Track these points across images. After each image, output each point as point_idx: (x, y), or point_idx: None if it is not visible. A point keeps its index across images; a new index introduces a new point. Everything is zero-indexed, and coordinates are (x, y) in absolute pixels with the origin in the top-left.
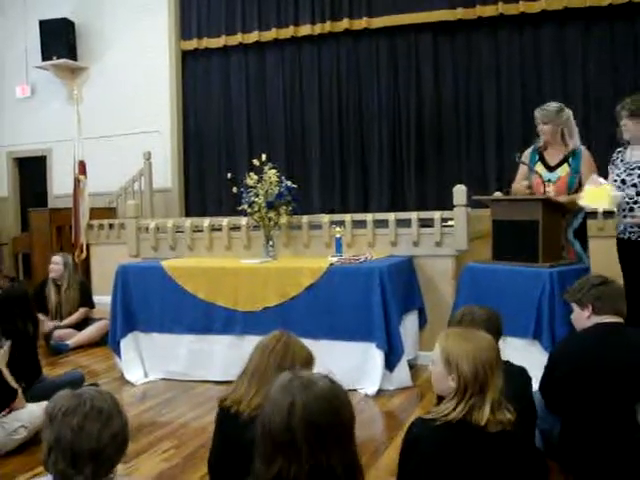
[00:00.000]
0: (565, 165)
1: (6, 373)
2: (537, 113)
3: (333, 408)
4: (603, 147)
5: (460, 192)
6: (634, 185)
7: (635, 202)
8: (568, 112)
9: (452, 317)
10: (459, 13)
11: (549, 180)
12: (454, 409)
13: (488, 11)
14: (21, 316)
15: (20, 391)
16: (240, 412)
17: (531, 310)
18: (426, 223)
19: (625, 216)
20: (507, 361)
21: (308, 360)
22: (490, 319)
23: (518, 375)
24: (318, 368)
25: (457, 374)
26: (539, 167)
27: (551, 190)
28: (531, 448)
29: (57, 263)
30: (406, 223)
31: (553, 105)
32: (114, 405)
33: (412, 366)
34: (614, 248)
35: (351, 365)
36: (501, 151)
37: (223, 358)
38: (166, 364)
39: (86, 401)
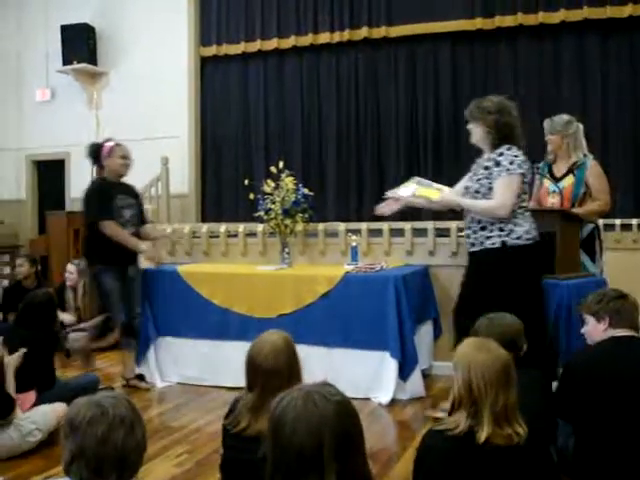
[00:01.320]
0: (570, 176)
1: (9, 381)
2: (546, 124)
3: (353, 417)
4: (623, 157)
5: None
6: None
7: None
8: (577, 125)
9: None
10: (478, 23)
11: (554, 191)
12: (461, 421)
13: (507, 21)
14: (43, 324)
15: (33, 394)
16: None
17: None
18: (442, 233)
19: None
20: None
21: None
22: (504, 332)
23: (536, 381)
24: (315, 376)
25: (455, 383)
26: (546, 180)
27: (555, 201)
28: (545, 462)
29: (71, 272)
30: (422, 232)
31: (563, 117)
32: (134, 412)
33: (426, 376)
34: (633, 260)
35: (364, 374)
36: None
37: (237, 364)
38: (181, 368)
39: (109, 410)
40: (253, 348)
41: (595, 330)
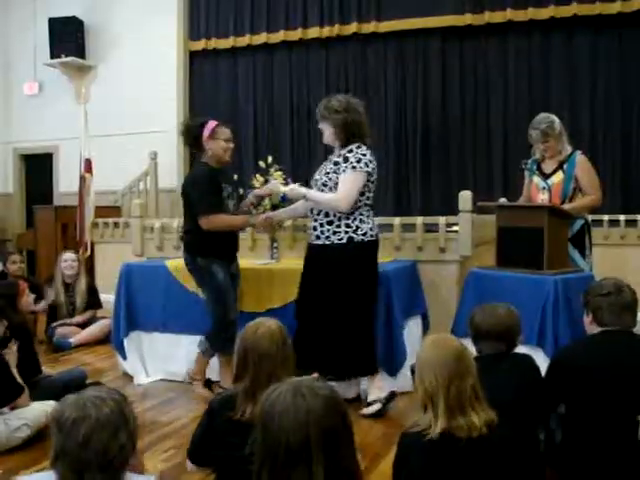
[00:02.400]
0: (559, 172)
1: (14, 371)
2: (535, 135)
3: (341, 412)
4: (611, 153)
5: (465, 198)
6: None
7: None
8: (557, 122)
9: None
10: (468, 19)
11: (544, 187)
12: (431, 420)
13: (497, 17)
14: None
15: (27, 390)
16: (245, 420)
17: (535, 317)
18: (431, 228)
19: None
20: (513, 353)
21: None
22: (499, 323)
23: (522, 363)
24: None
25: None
26: (536, 177)
27: (546, 197)
28: (528, 452)
29: (73, 260)
30: (411, 228)
31: (544, 121)
32: (121, 413)
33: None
34: (620, 255)
35: None
36: (507, 157)
37: None
38: (167, 364)
39: (92, 412)
40: (247, 330)
41: (586, 322)
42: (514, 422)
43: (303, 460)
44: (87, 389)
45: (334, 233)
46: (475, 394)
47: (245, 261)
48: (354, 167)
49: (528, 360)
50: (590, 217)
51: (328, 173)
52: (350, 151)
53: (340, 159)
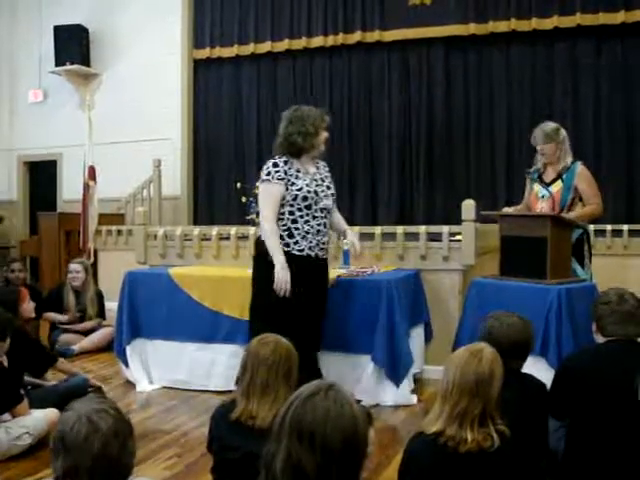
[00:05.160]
0: (559, 181)
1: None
2: (537, 134)
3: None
4: (615, 163)
5: (469, 207)
6: None
7: None
8: (563, 131)
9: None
10: (472, 28)
11: (543, 196)
12: (434, 419)
13: (501, 27)
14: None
15: (26, 400)
16: (257, 427)
17: (538, 327)
18: (434, 237)
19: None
20: (527, 374)
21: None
22: (519, 338)
23: (533, 389)
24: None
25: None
26: (537, 185)
27: (544, 206)
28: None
29: (78, 272)
30: (414, 237)
31: (551, 125)
32: (123, 421)
33: (417, 380)
34: (623, 265)
35: (353, 378)
36: (511, 166)
37: (226, 368)
38: (169, 372)
39: (101, 425)
40: (256, 338)
41: (593, 331)
42: (517, 440)
43: (341, 461)
44: (78, 401)
45: (286, 245)
46: (481, 417)
47: (247, 270)
48: (262, 180)
49: (540, 389)
50: (592, 227)
51: None
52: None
53: None
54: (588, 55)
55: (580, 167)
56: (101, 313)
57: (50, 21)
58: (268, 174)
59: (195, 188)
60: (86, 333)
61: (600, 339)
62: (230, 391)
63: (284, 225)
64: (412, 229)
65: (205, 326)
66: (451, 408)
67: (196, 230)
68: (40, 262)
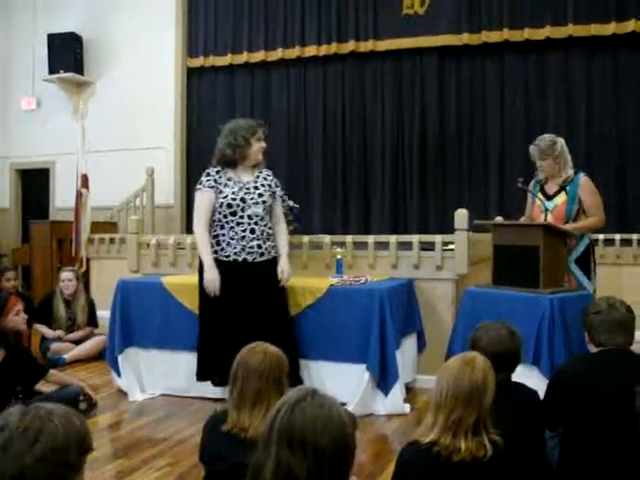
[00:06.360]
0: (562, 193)
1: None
2: (532, 150)
3: (352, 419)
4: (607, 173)
5: (461, 216)
6: None
7: None
8: (561, 141)
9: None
10: (465, 38)
11: (547, 209)
12: (428, 428)
13: (493, 37)
14: None
15: None
16: (249, 438)
17: (531, 336)
18: (427, 246)
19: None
20: (519, 383)
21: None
22: (508, 348)
23: (526, 398)
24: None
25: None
26: (539, 197)
27: (549, 219)
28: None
29: (70, 280)
30: (407, 246)
31: (547, 139)
32: (44, 425)
33: (410, 389)
34: (615, 275)
35: (348, 387)
36: (503, 176)
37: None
38: (164, 380)
39: (11, 421)
40: (245, 347)
41: (587, 341)
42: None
43: (335, 467)
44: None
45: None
46: (475, 427)
47: None
48: (196, 189)
49: (533, 396)
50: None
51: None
52: None
53: None
54: (580, 65)
55: (583, 178)
56: (92, 321)
57: (44, 29)
58: (200, 183)
59: (188, 197)
60: (77, 342)
61: (593, 349)
62: (224, 399)
63: (214, 231)
64: (405, 238)
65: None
66: (445, 417)
67: (189, 239)
68: (32, 270)
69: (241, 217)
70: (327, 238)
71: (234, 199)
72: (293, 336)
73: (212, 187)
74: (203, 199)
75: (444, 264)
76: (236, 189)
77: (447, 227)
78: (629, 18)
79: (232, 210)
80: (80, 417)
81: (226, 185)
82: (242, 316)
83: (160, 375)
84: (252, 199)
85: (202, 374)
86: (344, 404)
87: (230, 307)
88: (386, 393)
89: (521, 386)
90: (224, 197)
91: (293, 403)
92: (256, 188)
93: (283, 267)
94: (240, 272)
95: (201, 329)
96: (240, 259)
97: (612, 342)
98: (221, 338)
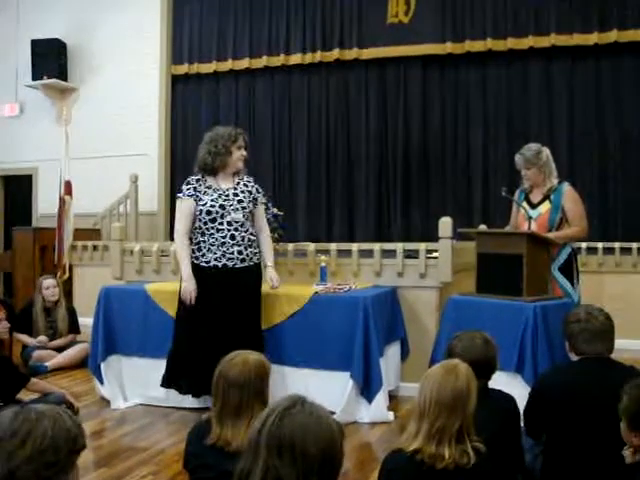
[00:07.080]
0: (546, 202)
1: None
2: (518, 160)
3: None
4: (589, 181)
5: (445, 224)
6: None
7: None
8: (546, 151)
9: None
10: (448, 47)
11: (531, 217)
12: (410, 436)
13: (477, 46)
14: None
15: None
16: (233, 451)
17: (514, 344)
18: (411, 254)
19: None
20: (495, 390)
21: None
22: (483, 355)
23: (503, 404)
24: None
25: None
26: (524, 206)
27: (533, 227)
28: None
29: (55, 286)
30: (391, 254)
31: (532, 148)
32: (34, 426)
33: (393, 397)
34: (598, 283)
35: (332, 395)
36: (487, 184)
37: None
38: (145, 389)
39: (2, 423)
40: (225, 358)
41: (567, 350)
42: (492, 456)
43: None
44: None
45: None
46: (458, 434)
47: None
48: (177, 197)
49: (510, 402)
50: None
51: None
52: None
53: None
54: (563, 75)
55: (567, 187)
56: (74, 328)
57: (28, 35)
58: (180, 191)
59: (172, 204)
60: (60, 349)
61: (574, 357)
62: (207, 408)
63: (195, 238)
64: (389, 246)
65: None
66: (429, 425)
67: (173, 246)
68: (14, 277)
69: (220, 224)
70: (311, 246)
71: (213, 206)
72: (263, 347)
73: (192, 195)
74: (183, 207)
75: (428, 272)
76: (215, 196)
77: (431, 235)
78: (611, 28)
79: (212, 217)
80: (72, 417)
81: (205, 193)
82: (216, 324)
83: (140, 383)
84: (231, 205)
85: (169, 380)
86: (333, 413)
87: (205, 315)
88: (370, 401)
89: (498, 392)
90: (203, 204)
91: (282, 411)
92: (236, 195)
93: (272, 277)
94: (220, 278)
95: (175, 335)
96: (220, 265)
97: (592, 350)
98: (193, 345)
